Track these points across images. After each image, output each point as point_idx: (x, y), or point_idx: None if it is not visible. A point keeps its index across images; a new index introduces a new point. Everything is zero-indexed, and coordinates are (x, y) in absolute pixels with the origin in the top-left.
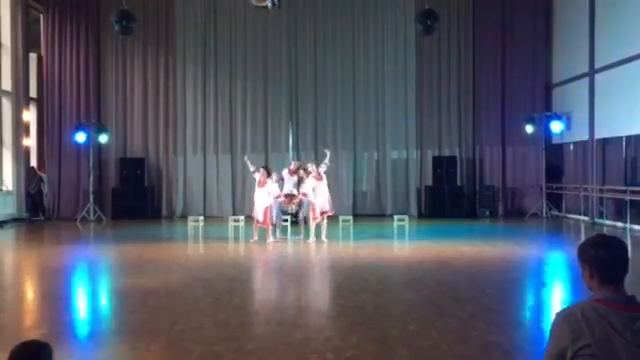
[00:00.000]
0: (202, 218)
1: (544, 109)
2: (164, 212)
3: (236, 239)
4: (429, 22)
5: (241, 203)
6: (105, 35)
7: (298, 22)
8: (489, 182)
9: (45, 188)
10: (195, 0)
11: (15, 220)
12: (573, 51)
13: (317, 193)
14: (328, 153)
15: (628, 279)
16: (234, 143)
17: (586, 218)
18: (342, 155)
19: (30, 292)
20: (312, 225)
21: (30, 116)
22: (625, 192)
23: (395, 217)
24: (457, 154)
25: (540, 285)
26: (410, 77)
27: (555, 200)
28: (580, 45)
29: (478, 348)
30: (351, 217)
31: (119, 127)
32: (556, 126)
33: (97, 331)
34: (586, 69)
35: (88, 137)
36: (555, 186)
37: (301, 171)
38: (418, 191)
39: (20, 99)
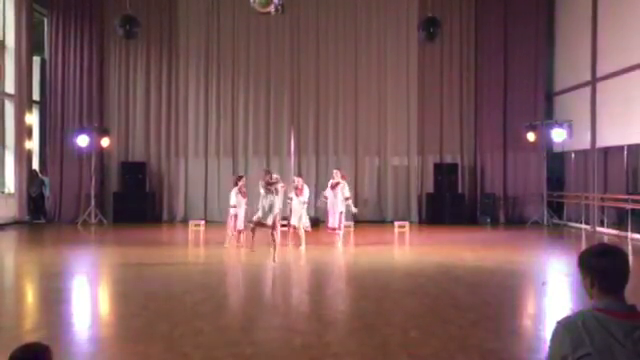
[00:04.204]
0: (203, 222)
1: (546, 117)
2: (165, 216)
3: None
4: (432, 29)
5: None
6: (108, 39)
7: (300, 27)
8: (490, 189)
9: (47, 191)
10: (198, 4)
11: (17, 223)
12: (575, 59)
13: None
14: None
15: (629, 288)
16: (236, 147)
17: (587, 226)
18: (343, 161)
19: (31, 295)
20: (302, 233)
21: (33, 119)
22: (626, 201)
23: (396, 224)
24: (458, 161)
25: (541, 284)
26: (412, 83)
27: (556, 208)
28: (582, 53)
29: (478, 356)
30: (352, 223)
31: (121, 131)
32: (557, 134)
33: (97, 335)
34: (588, 77)
35: (90, 141)
36: (556, 194)
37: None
38: (419, 198)
39: (23, 102)
